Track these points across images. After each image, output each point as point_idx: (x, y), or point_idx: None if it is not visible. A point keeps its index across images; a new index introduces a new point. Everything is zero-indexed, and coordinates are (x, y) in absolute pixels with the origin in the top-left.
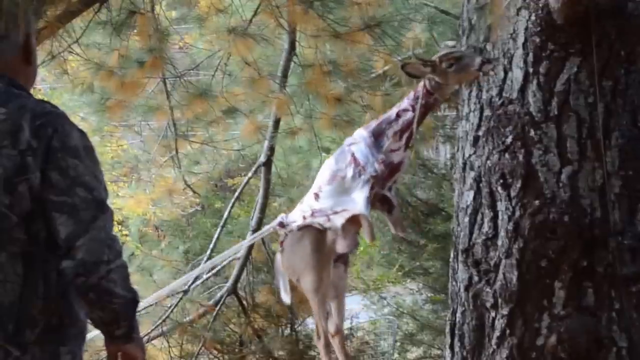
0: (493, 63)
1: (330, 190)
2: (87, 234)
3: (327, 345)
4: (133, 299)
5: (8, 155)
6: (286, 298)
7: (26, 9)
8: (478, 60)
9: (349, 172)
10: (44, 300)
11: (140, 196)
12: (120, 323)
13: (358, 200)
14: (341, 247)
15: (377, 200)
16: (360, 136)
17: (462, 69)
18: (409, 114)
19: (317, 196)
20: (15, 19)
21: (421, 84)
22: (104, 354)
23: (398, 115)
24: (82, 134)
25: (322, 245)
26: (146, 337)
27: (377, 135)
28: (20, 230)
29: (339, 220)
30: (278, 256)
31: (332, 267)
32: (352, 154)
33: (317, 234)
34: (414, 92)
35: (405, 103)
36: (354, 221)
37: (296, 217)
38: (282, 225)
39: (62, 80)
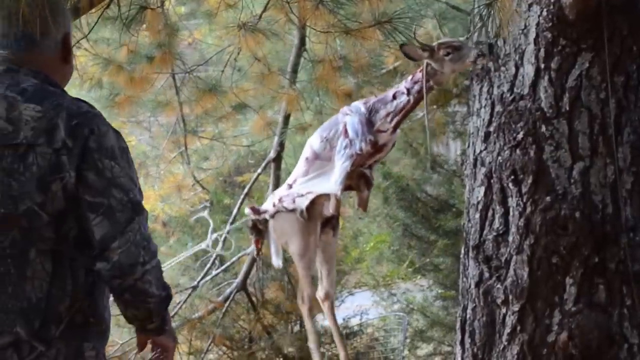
0: (488, 58)
1: (305, 179)
2: (123, 236)
3: (311, 309)
4: (167, 296)
5: (43, 153)
6: (277, 261)
7: (65, 7)
8: (474, 52)
9: (338, 143)
10: (71, 298)
11: (148, 192)
12: (153, 319)
13: (332, 177)
14: (328, 209)
15: (355, 176)
16: (356, 109)
17: (458, 59)
18: (404, 98)
19: (290, 187)
20: (54, 16)
21: (420, 68)
22: (111, 349)
23: (394, 97)
24: (118, 134)
25: (310, 210)
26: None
27: (372, 113)
28: (50, 229)
29: (303, 202)
30: (270, 221)
31: (321, 233)
32: (345, 125)
33: None
34: (412, 76)
35: (402, 86)
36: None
37: (268, 205)
38: (256, 211)
39: None
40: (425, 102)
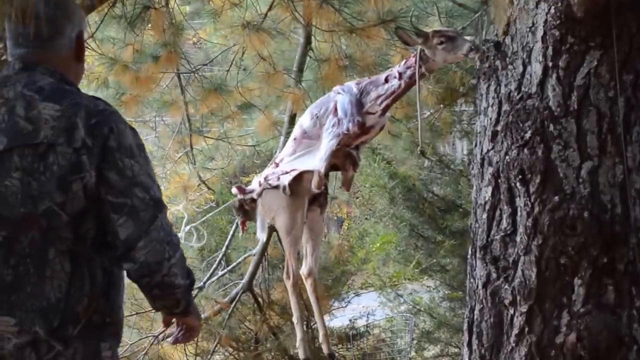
0: (480, 51)
1: (291, 158)
2: (147, 235)
3: (295, 284)
4: (191, 282)
5: (63, 153)
6: (261, 235)
7: (77, 4)
8: (467, 45)
9: (327, 121)
10: (89, 298)
11: None
12: (180, 305)
13: (317, 154)
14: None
15: (342, 155)
16: (348, 88)
17: (450, 49)
18: (395, 82)
19: (276, 165)
20: (67, 15)
21: (414, 54)
22: (120, 349)
23: (386, 80)
24: (134, 132)
25: (294, 186)
26: (161, 335)
27: (363, 94)
28: (69, 229)
29: (286, 179)
30: (259, 199)
31: (308, 210)
32: (335, 104)
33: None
34: (406, 61)
35: (395, 70)
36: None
37: (254, 185)
38: (242, 191)
39: None
40: (417, 88)
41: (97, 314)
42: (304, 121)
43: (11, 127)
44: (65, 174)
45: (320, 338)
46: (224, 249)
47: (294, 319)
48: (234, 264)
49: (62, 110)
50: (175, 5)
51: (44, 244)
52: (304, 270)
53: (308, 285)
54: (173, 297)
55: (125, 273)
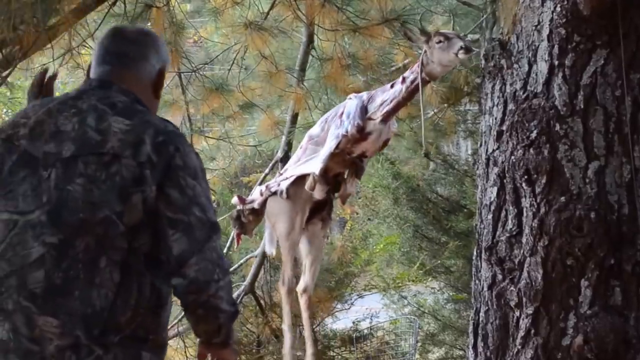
0: (472, 52)
1: (295, 165)
2: (200, 253)
3: (290, 292)
4: (235, 312)
5: (127, 165)
6: (270, 249)
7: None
8: (458, 44)
9: (333, 125)
10: (133, 310)
11: None
12: (220, 333)
13: (316, 158)
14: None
15: (343, 162)
16: (359, 95)
17: (445, 48)
18: (398, 87)
19: (280, 175)
20: (155, 44)
21: (420, 58)
22: None
23: (392, 86)
24: (198, 156)
25: (293, 191)
26: None
27: (370, 100)
28: (124, 240)
29: (285, 184)
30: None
31: (309, 223)
32: (344, 108)
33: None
34: (411, 67)
35: (401, 76)
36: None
37: (255, 195)
38: (242, 200)
39: (74, 74)
40: (421, 93)
41: (142, 329)
42: (314, 129)
43: (80, 136)
44: (126, 185)
45: (308, 357)
46: (225, 249)
47: (284, 327)
48: (236, 265)
49: (131, 125)
50: (176, 3)
51: (97, 251)
52: (300, 287)
53: (302, 302)
54: (216, 322)
55: (172, 290)
